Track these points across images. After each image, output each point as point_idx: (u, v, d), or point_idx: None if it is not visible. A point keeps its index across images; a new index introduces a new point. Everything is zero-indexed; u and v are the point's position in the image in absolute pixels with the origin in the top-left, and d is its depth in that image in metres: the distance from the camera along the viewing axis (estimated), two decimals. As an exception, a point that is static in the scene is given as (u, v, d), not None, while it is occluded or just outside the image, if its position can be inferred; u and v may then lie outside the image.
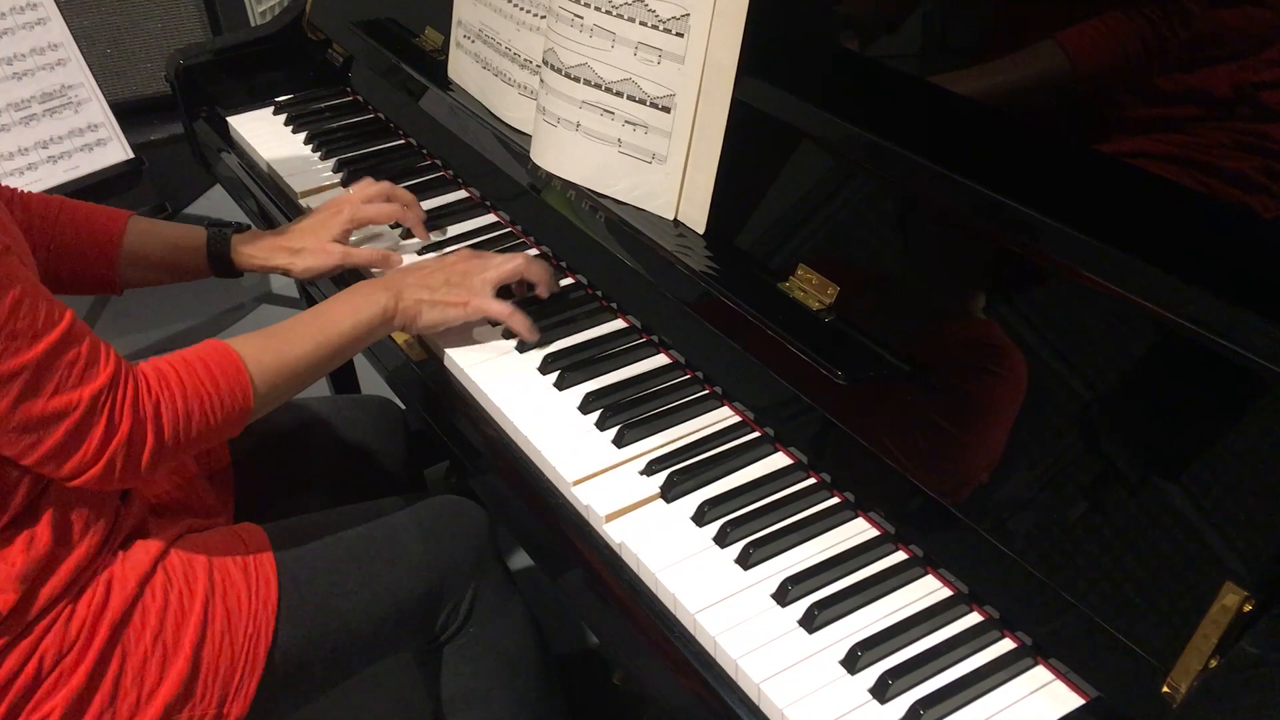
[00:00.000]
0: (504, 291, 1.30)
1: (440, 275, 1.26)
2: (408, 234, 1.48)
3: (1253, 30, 0.89)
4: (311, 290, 1.56)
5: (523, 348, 1.27)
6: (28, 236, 1.26)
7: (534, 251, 1.44)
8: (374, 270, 1.41)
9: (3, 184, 1.28)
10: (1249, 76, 0.90)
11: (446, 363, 1.29)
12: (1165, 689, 0.81)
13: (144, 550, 1.14)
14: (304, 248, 1.39)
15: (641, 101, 1.22)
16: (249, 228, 1.44)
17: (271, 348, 1.12)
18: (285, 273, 1.41)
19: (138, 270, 1.37)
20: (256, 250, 1.40)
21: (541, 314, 1.30)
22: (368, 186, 1.44)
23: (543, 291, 1.32)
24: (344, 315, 1.20)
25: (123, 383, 1.01)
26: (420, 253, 1.46)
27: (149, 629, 1.11)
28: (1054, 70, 1.02)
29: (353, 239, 1.44)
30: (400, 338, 1.35)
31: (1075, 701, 0.89)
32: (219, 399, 1.06)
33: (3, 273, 0.93)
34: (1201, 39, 0.92)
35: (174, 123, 2.15)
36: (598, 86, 1.25)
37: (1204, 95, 0.92)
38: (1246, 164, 0.91)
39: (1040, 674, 0.92)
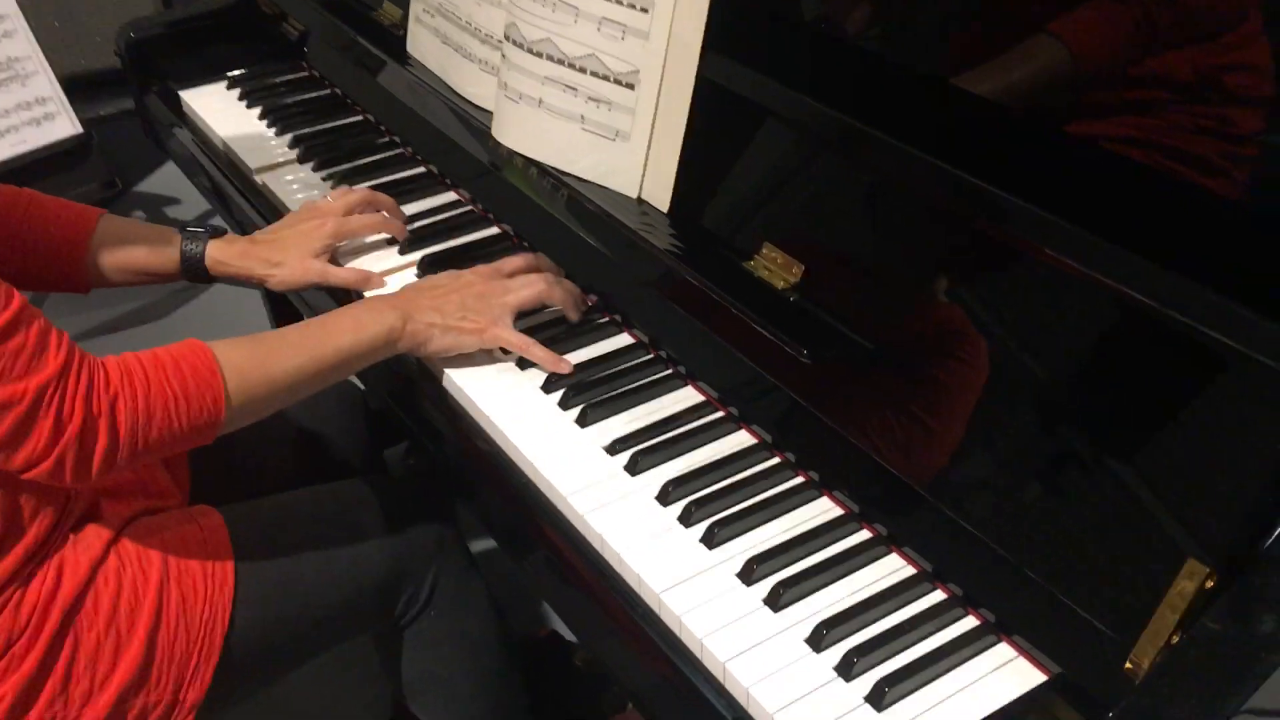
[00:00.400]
0: None
1: (455, 298, 1.18)
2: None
3: (1215, 13, 0.90)
4: (291, 296, 1.51)
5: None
6: None
7: (494, 230, 1.42)
8: (351, 291, 1.35)
9: None
10: (1211, 60, 0.90)
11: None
12: (1128, 665, 0.82)
13: (96, 534, 1.11)
14: (283, 261, 1.32)
15: (605, 78, 1.21)
16: (224, 232, 1.38)
17: (256, 357, 1.06)
18: (260, 284, 1.35)
19: (106, 270, 1.32)
20: (232, 258, 1.34)
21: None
22: (348, 195, 1.38)
23: (572, 315, 1.24)
24: (345, 331, 1.12)
25: (74, 374, 0.95)
26: (401, 252, 1.40)
27: (101, 614, 1.08)
28: (1027, 52, 1.02)
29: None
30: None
31: (1038, 678, 0.90)
32: (186, 403, 1.00)
33: None
34: (1165, 23, 0.93)
35: (124, 98, 2.10)
36: (560, 62, 1.24)
37: (1167, 79, 0.93)
38: (1208, 148, 0.91)
39: (1003, 651, 0.92)
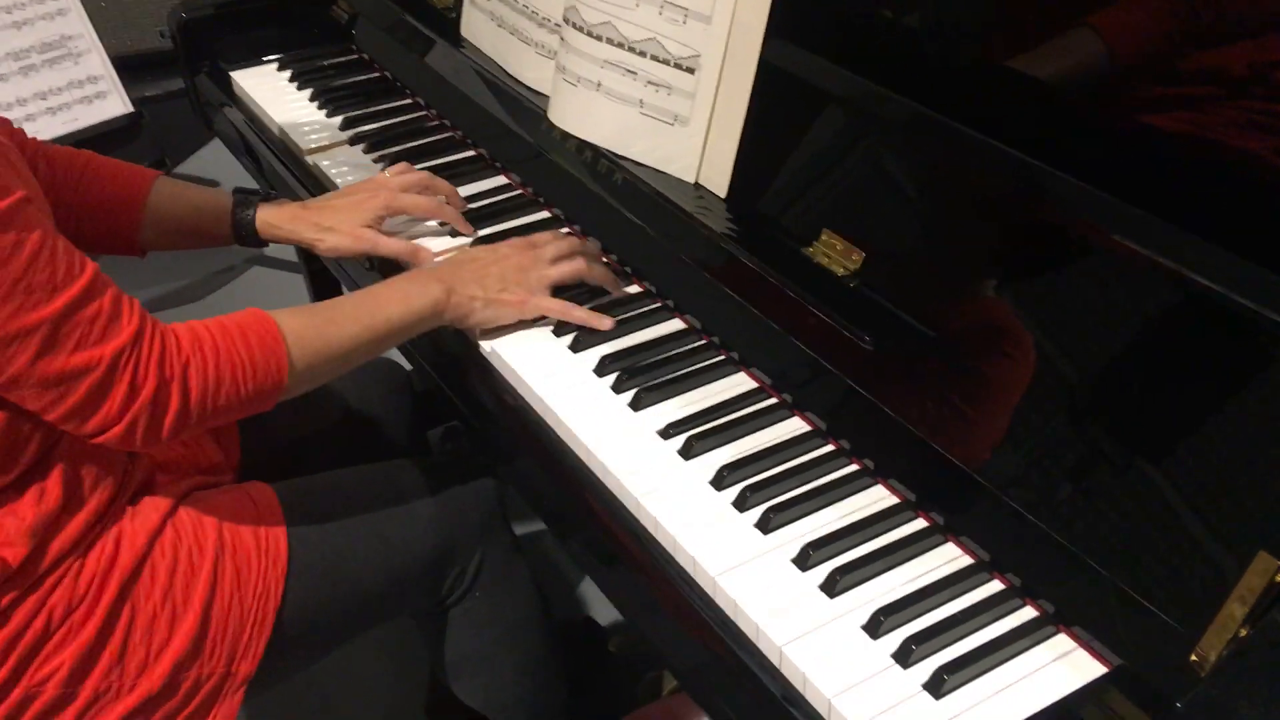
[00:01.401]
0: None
1: (495, 270, 1.21)
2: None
3: (1268, 8, 0.89)
4: (332, 267, 1.52)
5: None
6: (51, 191, 1.24)
7: (544, 215, 1.43)
8: (402, 262, 1.35)
9: (29, 136, 1.25)
10: (1264, 56, 0.90)
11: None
12: (1193, 658, 0.81)
13: (153, 507, 1.12)
14: (334, 227, 1.32)
15: (665, 62, 1.21)
16: (276, 196, 1.39)
17: (314, 326, 1.08)
18: (310, 248, 1.36)
19: (159, 233, 1.33)
20: (283, 221, 1.35)
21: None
22: (406, 173, 1.38)
23: (615, 291, 1.27)
24: (394, 303, 1.15)
25: (148, 340, 0.97)
26: (452, 234, 1.39)
27: (158, 586, 1.09)
28: (1084, 41, 1.02)
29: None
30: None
31: (1098, 669, 0.89)
32: (253, 370, 1.03)
33: (20, 223, 0.91)
34: (1219, 18, 0.92)
35: (173, 78, 2.11)
36: (620, 46, 1.24)
37: (1220, 74, 0.92)
38: (1261, 143, 0.91)
39: (1063, 641, 0.92)
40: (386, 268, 1.36)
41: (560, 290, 1.24)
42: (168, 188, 1.34)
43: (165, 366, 0.98)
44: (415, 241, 1.35)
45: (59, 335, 0.93)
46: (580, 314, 1.21)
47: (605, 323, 1.21)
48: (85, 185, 1.28)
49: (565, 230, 1.38)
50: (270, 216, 1.35)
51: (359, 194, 1.36)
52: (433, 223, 1.41)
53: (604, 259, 1.30)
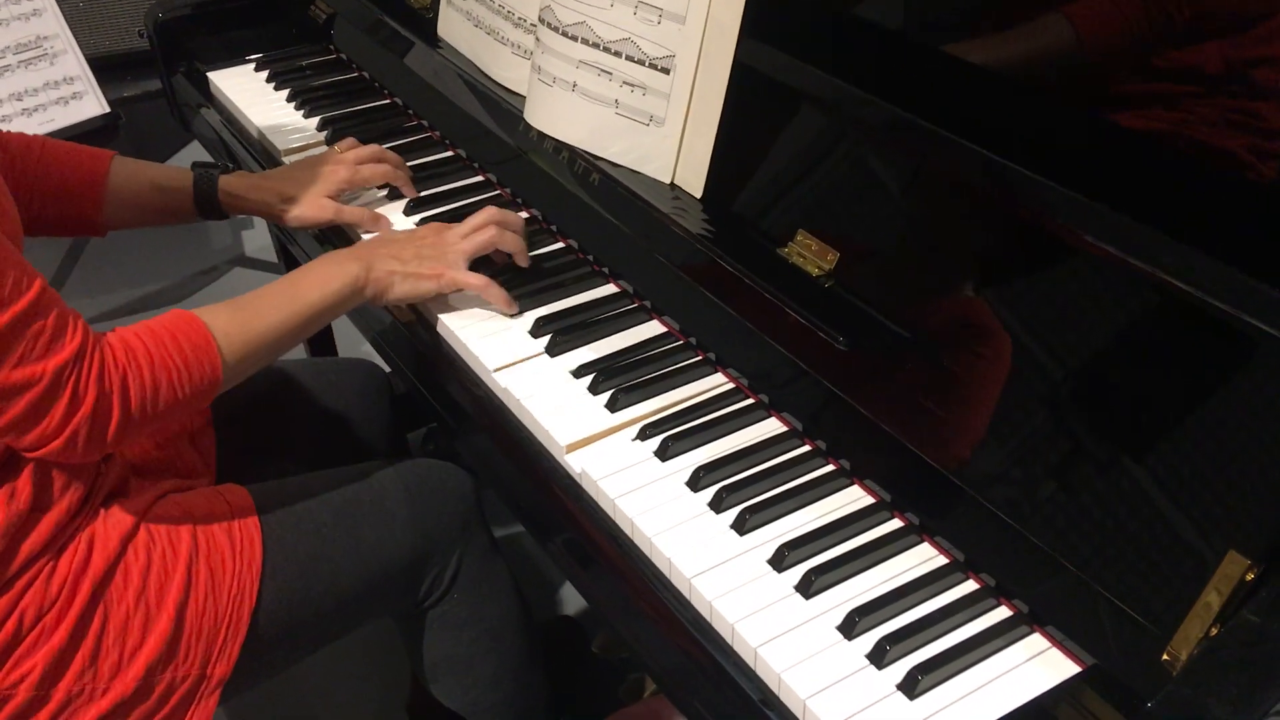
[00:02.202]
0: (484, 262, 1.28)
1: (411, 247, 1.24)
2: (394, 194, 1.46)
3: (1245, 6, 0.89)
4: (291, 247, 1.53)
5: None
6: (9, 178, 1.24)
7: (523, 215, 1.42)
8: (361, 231, 1.38)
9: None
10: (1240, 53, 0.90)
11: (437, 326, 1.27)
12: (1165, 657, 0.81)
13: (127, 509, 1.12)
14: (297, 197, 1.36)
15: (640, 62, 1.20)
16: (235, 169, 1.41)
17: (239, 319, 1.09)
18: (274, 219, 1.39)
19: (121, 211, 1.34)
20: (247, 193, 1.37)
21: (533, 278, 1.29)
22: (359, 149, 1.42)
23: (521, 260, 1.29)
24: (313, 286, 1.16)
25: (89, 355, 0.97)
26: (406, 213, 1.43)
27: (131, 588, 1.09)
28: (1058, 40, 1.02)
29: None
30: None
31: (1072, 669, 0.89)
32: (187, 371, 1.03)
33: None
34: (1195, 14, 0.92)
35: (150, 78, 2.10)
36: (595, 46, 1.23)
37: (1196, 72, 0.92)
38: (1235, 141, 0.91)
39: (1036, 641, 0.92)
40: (333, 239, 1.41)
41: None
42: (126, 167, 1.34)
43: (104, 380, 0.98)
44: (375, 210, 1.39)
45: (3, 350, 0.92)
46: (496, 293, 1.24)
47: (513, 307, 1.25)
48: (43, 169, 1.28)
49: (543, 229, 1.39)
50: (232, 187, 1.37)
51: (320, 166, 1.39)
52: (378, 193, 1.47)
53: (540, 225, 1.36)
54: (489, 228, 1.27)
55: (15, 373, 0.94)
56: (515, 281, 1.29)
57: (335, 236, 1.42)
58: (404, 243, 1.25)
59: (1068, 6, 0.99)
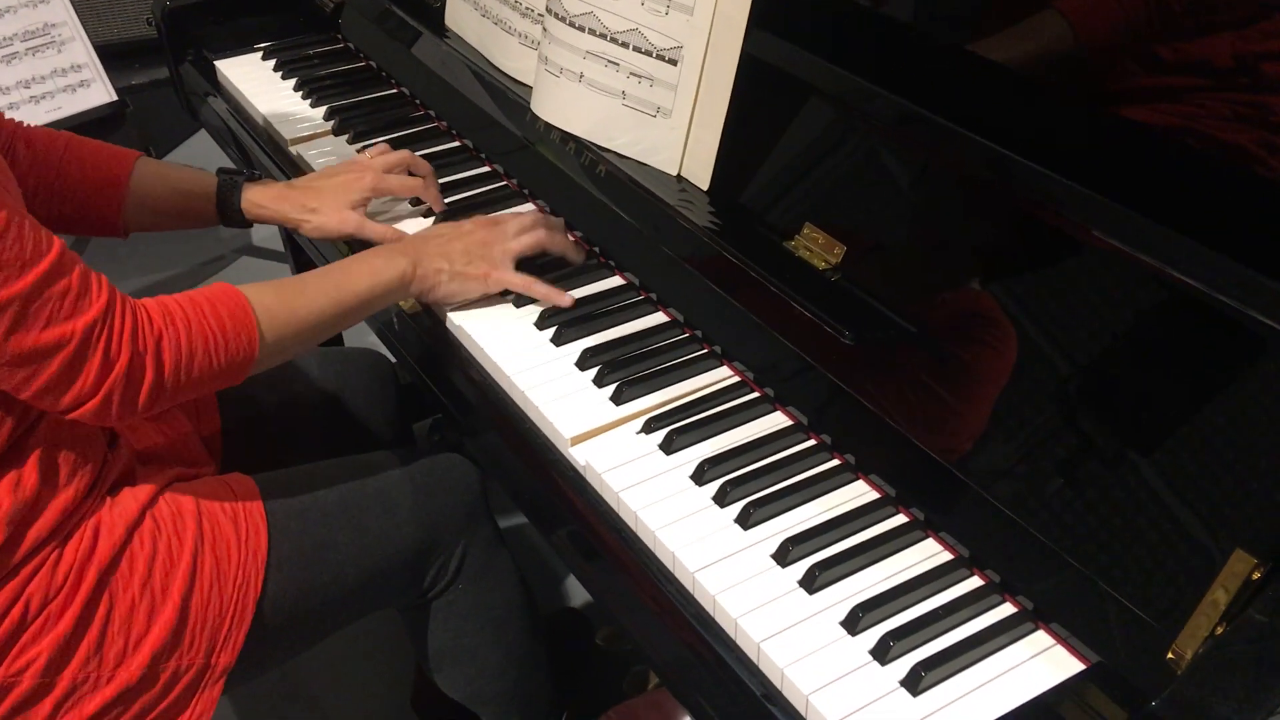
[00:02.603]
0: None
1: (460, 245, 1.23)
2: (417, 200, 1.44)
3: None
4: (297, 238, 1.52)
5: (519, 302, 1.26)
6: (32, 173, 1.24)
7: (529, 206, 1.42)
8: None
9: (7, 117, 1.25)
10: (1250, 47, 0.89)
11: (443, 316, 1.27)
12: (1169, 655, 0.81)
13: (133, 497, 1.12)
14: (319, 208, 1.33)
15: (647, 53, 1.20)
16: (260, 176, 1.40)
17: (283, 299, 1.10)
18: (295, 229, 1.37)
19: (143, 214, 1.33)
20: (269, 202, 1.35)
21: (539, 271, 1.29)
22: (388, 155, 1.39)
23: (575, 260, 1.30)
24: (362, 276, 1.17)
25: (119, 314, 0.98)
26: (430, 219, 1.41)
27: (137, 576, 1.09)
28: (1062, 33, 1.01)
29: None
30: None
31: (1076, 666, 0.89)
32: (224, 342, 1.04)
33: None
34: (1203, 7, 0.91)
35: (158, 66, 2.10)
36: (603, 36, 1.23)
37: (1204, 65, 0.92)
38: (1245, 136, 0.90)
39: (1041, 638, 0.92)
40: (361, 247, 1.35)
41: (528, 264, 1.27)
42: (150, 168, 1.34)
43: (138, 340, 0.99)
44: (398, 226, 1.36)
45: (29, 311, 0.93)
46: (542, 289, 1.23)
47: (565, 299, 1.23)
48: (66, 167, 1.28)
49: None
50: (256, 196, 1.35)
51: (344, 175, 1.36)
52: (406, 203, 1.43)
53: (569, 236, 1.33)
54: (538, 229, 1.26)
55: (46, 333, 0.94)
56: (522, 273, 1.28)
57: (363, 245, 1.36)
58: (451, 238, 1.24)
59: (1072, 1, 0.99)
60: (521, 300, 1.26)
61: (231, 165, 1.77)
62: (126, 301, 1.00)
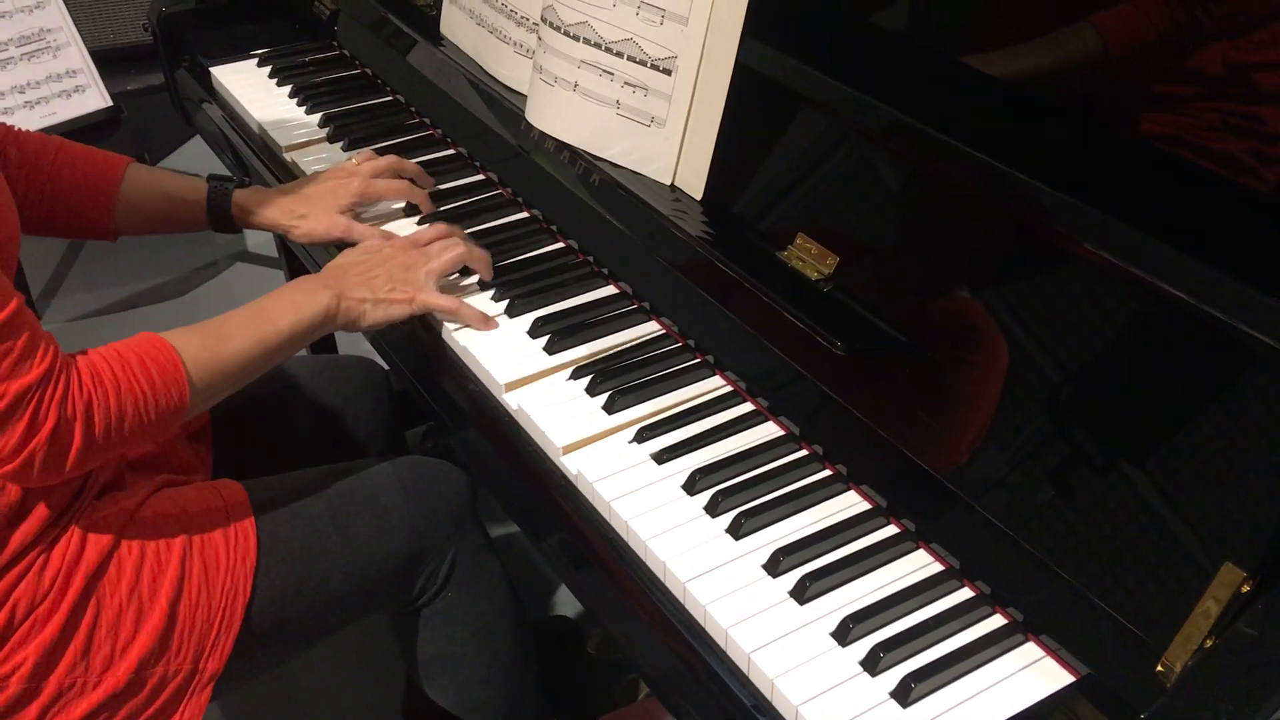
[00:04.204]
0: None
1: (382, 272, 1.22)
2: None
3: (1246, 8, 0.88)
4: (301, 256, 1.52)
5: (513, 311, 1.25)
6: (23, 176, 1.24)
7: (523, 215, 1.42)
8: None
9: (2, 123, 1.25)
10: (1242, 56, 0.89)
11: (435, 324, 1.26)
12: (1159, 668, 0.81)
13: (121, 503, 1.12)
14: (308, 214, 1.35)
15: (642, 63, 1.20)
16: (250, 183, 1.40)
17: (209, 346, 1.08)
18: (285, 235, 1.38)
19: (133, 219, 1.34)
20: (259, 208, 1.36)
21: (533, 279, 1.29)
22: (375, 160, 1.40)
23: (485, 275, 1.28)
24: (284, 314, 1.14)
25: (54, 380, 0.96)
26: (419, 222, 1.41)
27: (124, 581, 1.08)
28: (1057, 44, 1.01)
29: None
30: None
31: (1066, 679, 0.89)
32: (154, 397, 1.02)
33: None
34: (1203, 21, 0.92)
35: (153, 72, 2.11)
36: (597, 46, 1.23)
37: (1196, 74, 0.92)
38: (1236, 146, 0.90)
39: (1031, 650, 0.92)
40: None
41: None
42: (141, 174, 1.34)
43: (67, 405, 0.97)
44: (387, 228, 1.38)
45: None
46: (469, 312, 1.23)
47: (490, 325, 1.23)
48: (58, 171, 1.28)
49: (543, 229, 1.38)
50: (245, 202, 1.36)
51: (332, 180, 1.37)
52: (399, 204, 1.44)
53: (540, 226, 1.35)
54: (456, 246, 1.26)
55: None
56: (515, 282, 1.29)
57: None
58: (372, 265, 1.23)
59: (1070, 9, 0.99)
60: (515, 309, 1.25)
61: (226, 171, 1.77)
62: (66, 366, 0.98)
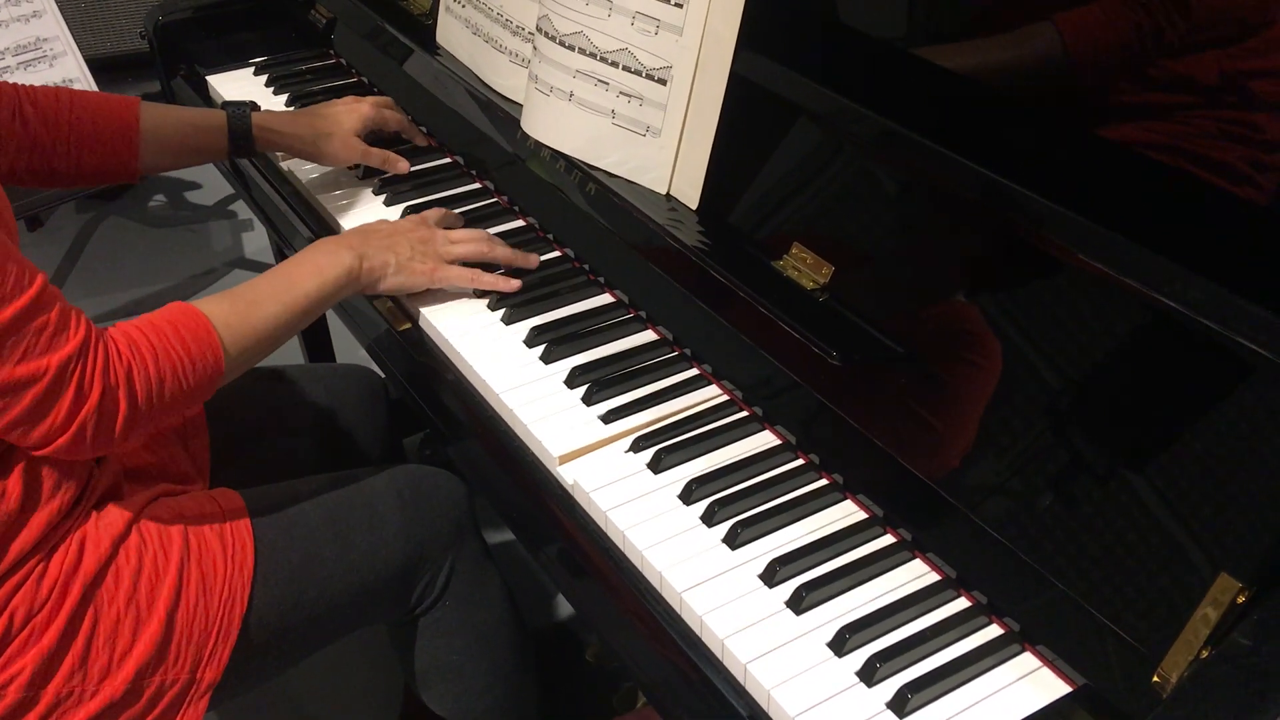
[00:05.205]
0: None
1: (404, 241, 1.26)
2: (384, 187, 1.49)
3: (1239, 16, 0.89)
4: (287, 250, 1.53)
5: (509, 319, 1.25)
6: (45, 132, 1.27)
7: (519, 223, 1.42)
8: (389, 169, 1.48)
9: (6, 82, 1.27)
10: (1236, 64, 0.89)
11: (432, 334, 1.27)
12: (1155, 679, 0.81)
13: (118, 512, 1.11)
14: (333, 133, 1.41)
15: (637, 73, 1.20)
16: (259, 108, 1.45)
17: (239, 310, 1.10)
18: (304, 155, 1.44)
19: (157, 155, 1.37)
20: (280, 124, 1.42)
21: (529, 287, 1.29)
22: (374, 97, 1.51)
23: (525, 264, 1.31)
24: (309, 276, 1.17)
25: (92, 350, 0.98)
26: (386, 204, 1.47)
27: (122, 590, 1.08)
28: (1049, 53, 1.01)
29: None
30: (384, 306, 1.33)
31: (1062, 689, 0.89)
32: (191, 363, 1.04)
33: None
34: (1190, 25, 0.92)
35: (150, 81, 2.11)
36: (592, 56, 1.23)
37: (1191, 83, 0.92)
38: (1233, 154, 0.90)
39: (1027, 660, 0.92)
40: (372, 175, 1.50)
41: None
42: (156, 111, 1.37)
43: (109, 374, 0.99)
44: (360, 208, 1.45)
45: (5, 346, 0.93)
46: (488, 280, 1.27)
47: (512, 284, 1.27)
48: (76, 121, 1.30)
49: (539, 238, 1.39)
50: (266, 121, 1.41)
51: (343, 104, 1.47)
52: (368, 190, 1.50)
53: (536, 234, 1.40)
54: (481, 241, 1.29)
55: (19, 368, 0.94)
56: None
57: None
58: (393, 234, 1.27)
59: (1061, 19, 0.99)
60: (511, 317, 1.26)
61: (222, 177, 1.78)
62: (101, 336, 1.00)
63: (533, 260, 1.32)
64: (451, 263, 1.27)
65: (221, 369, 1.07)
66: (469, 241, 1.29)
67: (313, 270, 1.18)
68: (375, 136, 1.52)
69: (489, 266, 1.30)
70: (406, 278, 1.25)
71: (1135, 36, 0.95)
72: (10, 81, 1.28)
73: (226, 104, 1.42)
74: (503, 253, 1.30)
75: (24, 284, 0.94)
